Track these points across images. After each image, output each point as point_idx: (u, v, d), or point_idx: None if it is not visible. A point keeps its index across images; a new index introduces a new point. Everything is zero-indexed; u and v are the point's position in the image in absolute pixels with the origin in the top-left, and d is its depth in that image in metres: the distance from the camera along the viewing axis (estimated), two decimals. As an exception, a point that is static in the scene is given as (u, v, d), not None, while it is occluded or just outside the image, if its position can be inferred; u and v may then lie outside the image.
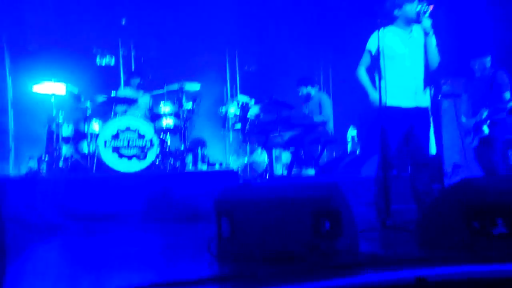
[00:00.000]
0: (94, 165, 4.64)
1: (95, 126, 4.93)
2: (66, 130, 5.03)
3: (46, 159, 4.83)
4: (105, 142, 4.65)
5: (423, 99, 3.22)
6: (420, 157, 3.22)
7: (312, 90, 5.69)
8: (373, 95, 3.18)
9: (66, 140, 4.99)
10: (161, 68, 7.87)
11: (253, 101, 5.80)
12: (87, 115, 4.85)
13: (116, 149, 4.67)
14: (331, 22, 7.42)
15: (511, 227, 1.86)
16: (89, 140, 4.72)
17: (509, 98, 4.13)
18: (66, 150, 4.86)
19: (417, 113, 3.17)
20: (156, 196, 4.11)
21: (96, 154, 4.64)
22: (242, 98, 5.84)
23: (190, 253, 2.66)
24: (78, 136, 5.00)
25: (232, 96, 8.53)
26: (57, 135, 4.87)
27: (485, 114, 4.20)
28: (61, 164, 4.71)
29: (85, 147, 4.82)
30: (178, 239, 3.33)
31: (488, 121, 4.16)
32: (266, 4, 7.11)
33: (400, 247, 2.58)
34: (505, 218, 1.87)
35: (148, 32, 7.67)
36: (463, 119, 4.35)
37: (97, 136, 4.73)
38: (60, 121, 4.91)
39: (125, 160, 4.67)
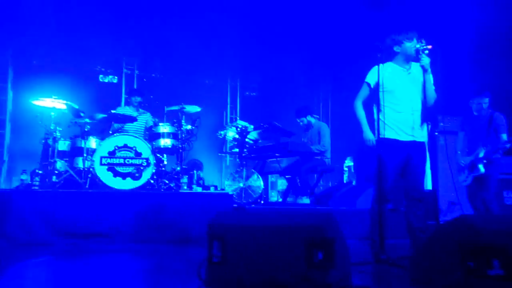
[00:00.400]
0: (88, 181, 4.60)
1: (92, 142, 4.94)
2: (63, 145, 5.02)
3: (40, 172, 4.79)
4: (101, 158, 4.63)
5: (420, 134, 3.25)
6: (415, 191, 3.21)
7: (312, 119, 5.74)
8: (367, 131, 3.25)
9: (62, 154, 4.97)
10: (162, 88, 7.97)
11: (252, 126, 5.83)
12: (85, 131, 4.85)
13: (111, 167, 4.64)
14: (333, 54, 7.56)
15: (508, 269, 1.82)
16: (85, 155, 4.70)
17: (506, 139, 4.18)
18: (60, 164, 4.83)
19: (414, 146, 3.19)
20: (148, 215, 4.05)
21: (91, 170, 4.61)
22: (241, 123, 5.87)
23: (179, 276, 2.60)
24: (74, 151, 4.99)
25: (231, 120, 8.60)
26: (53, 149, 4.86)
27: (482, 153, 4.23)
28: (54, 178, 4.67)
29: (80, 163, 4.80)
30: (168, 261, 3.26)
31: (485, 160, 4.19)
32: (270, 33, 7.25)
33: (392, 283, 2.53)
34: (501, 259, 1.83)
35: (153, 53, 7.80)
36: (459, 158, 4.39)
37: (93, 152, 4.71)
38: (58, 135, 4.91)
39: (119, 179, 4.64)
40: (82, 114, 4.90)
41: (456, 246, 1.99)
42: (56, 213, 3.89)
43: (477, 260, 1.87)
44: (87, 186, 4.58)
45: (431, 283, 2.10)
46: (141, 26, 7.02)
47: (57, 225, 3.86)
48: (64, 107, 4.95)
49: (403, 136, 3.18)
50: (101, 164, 4.61)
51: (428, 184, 4.98)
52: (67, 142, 5.06)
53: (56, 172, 4.74)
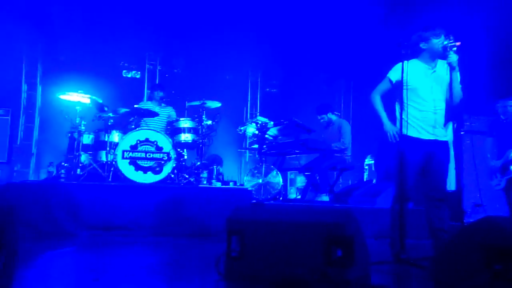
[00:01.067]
0: (111, 174, 4.70)
1: (115, 136, 5.03)
2: (87, 139, 5.14)
3: (66, 165, 4.92)
4: (123, 152, 4.71)
5: (443, 133, 3.17)
6: (437, 191, 3.14)
7: (333, 116, 5.68)
8: (386, 122, 3.18)
9: (86, 148, 5.09)
10: (184, 84, 8.05)
11: (272, 123, 5.82)
12: (109, 125, 4.95)
13: (133, 161, 4.72)
14: (355, 51, 7.45)
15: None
16: (107, 149, 4.80)
17: None
18: (84, 158, 4.95)
19: (436, 145, 3.12)
20: (169, 209, 4.11)
21: (113, 163, 4.71)
22: (261, 119, 5.87)
23: (198, 270, 2.63)
24: (98, 145, 5.10)
25: (251, 116, 8.61)
26: (78, 143, 4.98)
27: (511, 154, 4.13)
28: (78, 171, 4.79)
29: (103, 156, 4.91)
30: (187, 255, 3.31)
31: None
32: (291, 29, 7.21)
33: (413, 283, 2.49)
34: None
35: (175, 49, 7.88)
36: (490, 161, 4.31)
37: (116, 146, 4.81)
38: (82, 129, 5.02)
39: (140, 173, 4.72)
40: (106, 109, 5.00)
41: (482, 248, 1.94)
42: (80, 205, 4.00)
43: (505, 262, 1.82)
44: (109, 179, 4.68)
45: (454, 285, 2.06)
46: (164, 22, 7.10)
47: (81, 216, 3.97)
48: (88, 101, 5.06)
49: (425, 134, 3.11)
50: (123, 158, 4.70)
51: (452, 185, 4.87)
52: (91, 136, 5.18)
53: (81, 165, 4.86)
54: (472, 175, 4.48)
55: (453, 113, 3.14)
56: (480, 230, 2.02)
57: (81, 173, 4.77)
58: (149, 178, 4.72)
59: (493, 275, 1.84)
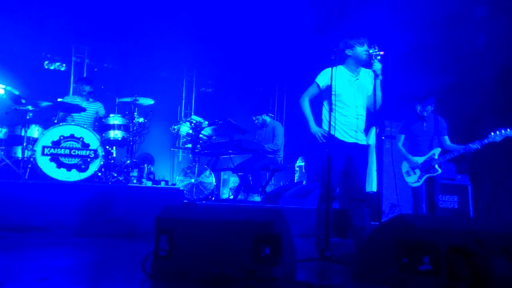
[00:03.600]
0: (28, 171, 4.35)
1: (34, 131, 4.68)
2: (-1, 133, 4.72)
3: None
4: (44, 148, 4.39)
5: (363, 137, 3.41)
6: (357, 192, 3.35)
7: (268, 118, 5.81)
8: (313, 125, 3.34)
9: (-2, 142, 4.67)
10: (115, 79, 7.69)
11: (206, 122, 5.80)
12: (27, 119, 4.58)
13: (55, 157, 4.42)
14: (289, 55, 7.69)
15: (436, 265, 1.95)
16: (24, 145, 4.44)
17: (448, 143, 4.42)
18: (-5, 153, 4.53)
19: (356, 148, 3.35)
20: (94, 208, 3.90)
21: (31, 160, 4.37)
22: (196, 118, 5.82)
23: (123, 270, 2.54)
24: (12, 140, 4.69)
25: (186, 115, 8.50)
26: (-13, 137, 4.55)
27: (436, 154, 4.37)
28: (-13, 168, 4.37)
29: (18, 152, 4.53)
30: (113, 255, 3.17)
31: (439, 161, 4.34)
32: (227, 30, 7.24)
33: (334, 278, 2.63)
34: (431, 256, 1.96)
35: (106, 41, 7.49)
36: (410, 159, 4.45)
37: (35, 141, 4.47)
38: (-7, 122, 4.60)
39: (63, 170, 4.43)
40: (23, 101, 4.62)
41: (393, 243, 2.11)
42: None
43: (410, 256, 2.00)
44: (26, 177, 4.33)
45: (370, 279, 2.22)
46: (94, 12, 6.69)
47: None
48: (2, 92, 4.65)
49: (347, 137, 3.32)
50: (43, 154, 4.38)
51: (374, 187, 5.22)
52: (4, 130, 4.76)
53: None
54: (390, 177, 4.82)
55: (374, 118, 3.38)
56: (393, 227, 2.19)
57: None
58: (73, 176, 4.46)
59: (400, 267, 2.02)
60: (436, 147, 4.45)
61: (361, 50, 3.29)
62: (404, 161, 4.53)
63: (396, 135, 4.70)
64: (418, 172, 4.41)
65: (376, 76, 3.29)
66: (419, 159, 4.43)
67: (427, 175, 4.36)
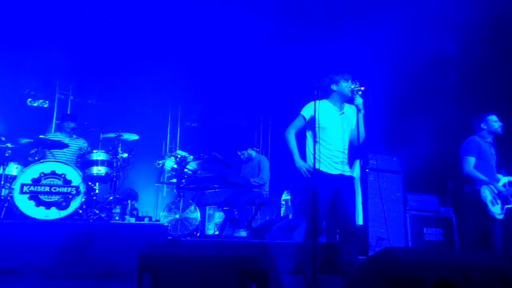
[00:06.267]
0: (3, 210, 4.21)
1: (13, 168, 4.58)
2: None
3: None
4: (22, 186, 4.26)
5: (348, 169, 3.45)
6: (347, 224, 3.34)
7: (253, 152, 5.83)
8: (297, 159, 3.36)
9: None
10: (99, 115, 7.66)
11: (191, 157, 5.78)
12: (6, 156, 4.49)
13: (34, 195, 4.29)
14: (273, 90, 7.84)
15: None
16: (2, 183, 4.32)
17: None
18: (-29, 191, 4.38)
19: (342, 179, 3.37)
20: (71, 247, 3.75)
21: (8, 199, 4.23)
22: (181, 153, 5.80)
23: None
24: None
25: (171, 150, 8.46)
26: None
27: (507, 181, 3.88)
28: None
29: (-5, 190, 4.40)
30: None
31: None
32: (213, 65, 7.38)
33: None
34: (421, 290, 1.94)
35: (89, 78, 7.53)
36: (493, 186, 3.87)
37: (13, 179, 4.35)
38: (-30, 160, 4.48)
39: (42, 208, 4.29)
40: (2, 138, 4.55)
41: (380, 278, 2.08)
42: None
43: (400, 290, 1.97)
44: (1, 216, 4.17)
45: (358, 315, 2.17)
46: (78, 48, 6.73)
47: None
48: None
49: (333, 170, 3.35)
50: (22, 192, 4.24)
51: (360, 220, 5.21)
52: (-20, 167, 4.64)
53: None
54: (376, 210, 4.82)
55: (358, 151, 3.44)
56: (379, 261, 2.17)
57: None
58: (52, 214, 4.31)
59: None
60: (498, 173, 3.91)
61: (345, 85, 3.39)
62: (485, 188, 3.87)
63: (464, 157, 4.02)
64: (499, 202, 3.82)
65: (358, 110, 3.38)
66: (499, 187, 3.83)
67: (507, 206, 3.80)
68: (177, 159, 5.67)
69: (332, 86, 3.43)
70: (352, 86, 3.38)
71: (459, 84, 5.83)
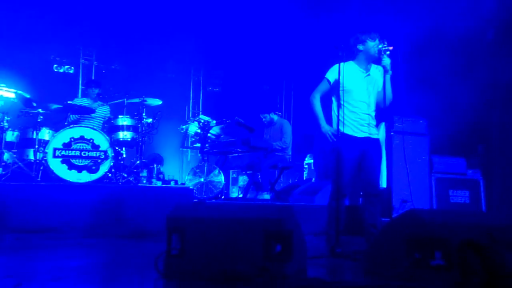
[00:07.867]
0: (40, 173, 4.41)
1: (45, 133, 4.73)
2: (11, 136, 4.78)
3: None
4: (55, 150, 4.45)
5: (375, 132, 3.39)
6: (371, 186, 3.33)
7: (275, 116, 5.81)
8: (323, 124, 3.31)
9: (10, 145, 4.73)
10: (123, 81, 7.75)
11: (214, 121, 5.81)
12: (38, 122, 4.64)
13: (66, 159, 4.47)
14: (296, 52, 7.67)
15: (449, 260, 1.94)
16: (36, 147, 4.49)
17: None
18: (8, 156, 4.59)
19: (369, 142, 3.32)
20: (105, 209, 3.94)
21: (43, 162, 4.42)
22: (204, 118, 5.84)
23: (136, 269, 2.56)
24: (24, 142, 4.76)
25: (194, 115, 8.52)
26: (0, 140, 4.60)
27: None
28: (0, 170, 4.43)
29: (31, 155, 4.59)
30: (125, 255, 3.20)
31: None
32: (234, 29, 7.25)
33: (346, 274, 2.62)
34: (443, 251, 1.95)
35: (113, 43, 7.56)
36: None
37: (46, 143, 4.52)
38: (5, 125, 4.65)
39: (74, 172, 4.48)
40: (34, 104, 4.68)
41: (404, 239, 2.10)
42: (3, 206, 3.70)
43: (422, 251, 1.99)
44: (38, 179, 4.39)
45: (381, 275, 2.21)
46: (101, 14, 6.75)
47: (4, 219, 3.67)
48: (13, 95, 4.71)
49: (359, 133, 3.30)
50: (55, 156, 4.44)
51: (384, 183, 5.19)
52: (16, 133, 4.82)
53: (3, 164, 4.50)
54: (400, 173, 4.78)
55: (384, 114, 3.37)
56: (404, 222, 2.18)
57: (4, 172, 4.42)
58: (84, 177, 4.51)
59: (412, 263, 2.01)
60: None
61: (372, 45, 3.27)
62: None
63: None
64: None
65: (385, 71, 3.27)
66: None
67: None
68: (201, 124, 5.72)
69: (358, 46, 3.31)
70: (380, 46, 3.25)
71: (495, 44, 5.53)
